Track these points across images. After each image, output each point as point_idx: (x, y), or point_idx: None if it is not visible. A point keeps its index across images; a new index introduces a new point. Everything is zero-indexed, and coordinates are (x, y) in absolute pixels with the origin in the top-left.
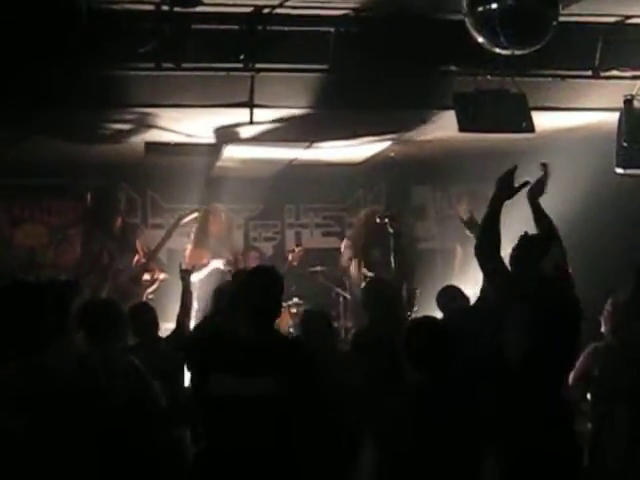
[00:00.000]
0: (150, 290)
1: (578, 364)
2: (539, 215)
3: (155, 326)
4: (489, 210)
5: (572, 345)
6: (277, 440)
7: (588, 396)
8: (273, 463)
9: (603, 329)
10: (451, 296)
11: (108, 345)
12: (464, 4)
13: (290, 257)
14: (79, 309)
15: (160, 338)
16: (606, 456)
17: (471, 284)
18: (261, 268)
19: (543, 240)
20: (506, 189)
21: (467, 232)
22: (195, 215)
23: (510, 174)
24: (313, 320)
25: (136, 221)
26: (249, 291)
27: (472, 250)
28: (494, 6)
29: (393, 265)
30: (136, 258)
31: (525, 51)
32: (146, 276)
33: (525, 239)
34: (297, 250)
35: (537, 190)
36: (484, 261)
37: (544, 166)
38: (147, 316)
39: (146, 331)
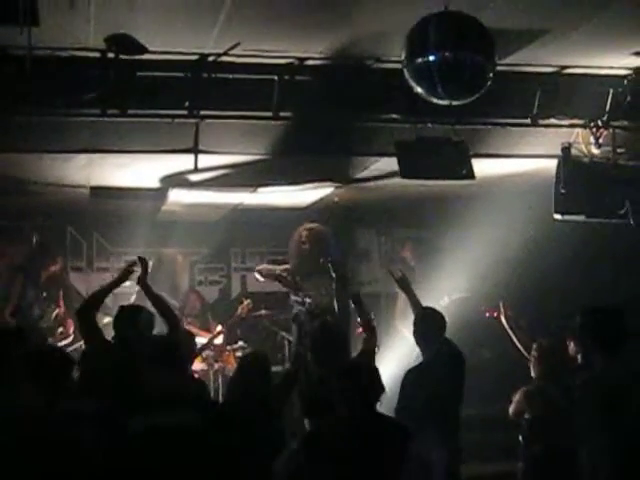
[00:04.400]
0: (64, 343)
1: (512, 406)
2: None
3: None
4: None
5: None
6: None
7: (520, 438)
8: None
9: (532, 373)
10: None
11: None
12: (403, 55)
13: (239, 309)
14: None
15: None
16: None
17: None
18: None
19: None
20: None
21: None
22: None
23: None
24: (249, 362)
25: (81, 265)
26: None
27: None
28: (432, 58)
29: (337, 310)
30: (56, 311)
31: (462, 102)
32: (60, 329)
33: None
34: (246, 303)
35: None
36: None
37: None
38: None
39: None
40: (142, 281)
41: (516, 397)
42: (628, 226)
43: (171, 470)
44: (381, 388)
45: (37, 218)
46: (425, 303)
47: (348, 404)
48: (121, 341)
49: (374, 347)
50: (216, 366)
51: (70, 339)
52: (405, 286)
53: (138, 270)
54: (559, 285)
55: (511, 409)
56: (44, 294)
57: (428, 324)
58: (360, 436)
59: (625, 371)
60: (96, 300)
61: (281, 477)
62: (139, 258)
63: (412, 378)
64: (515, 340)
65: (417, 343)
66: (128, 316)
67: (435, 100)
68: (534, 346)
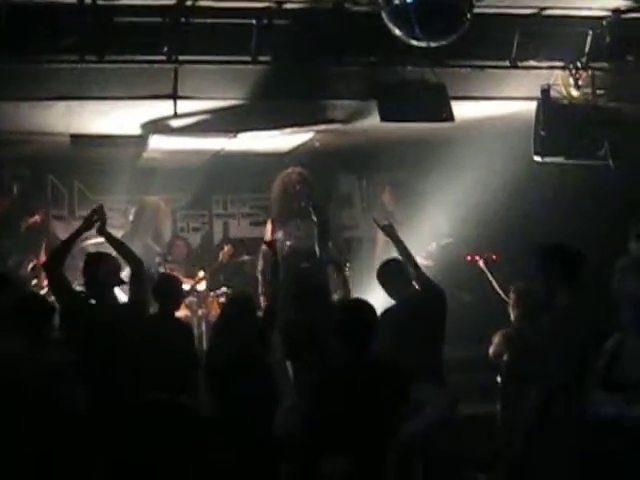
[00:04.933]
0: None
1: (492, 347)
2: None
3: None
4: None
5: None
6: None
7: (498, 379)
8: None
9: (511, 316)
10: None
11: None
12: None
13: (220, 256)
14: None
15: None
16: (513, 435)
17: None
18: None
19: None
20: None
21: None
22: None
23: None
24: (236, 304)
25: (63, 213)
26: None
27: None
28: (409, 0)
29: (318, 254)
30: (33, 262)
31: (440, 43)
32: (34, 281)
33: None
34: (226, 249)
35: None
36: None
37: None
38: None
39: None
40: (101, 230)
41: (495, 339)
42: (607, 167)
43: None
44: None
45: (17, 167)
46: (408, 247)
47: (350, 345)
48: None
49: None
50: (199, 312)
51: (44, 291)
52: (391, 234)
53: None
54: (540, 226)
55: (490, 350)
56: (23, 244)
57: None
58: (363, 379)
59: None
60: (61, 252)
61: (285, 428)
62: (96, 208)
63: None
64: (494, 284)
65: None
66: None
67: (413, 42)
68: (511, 289)
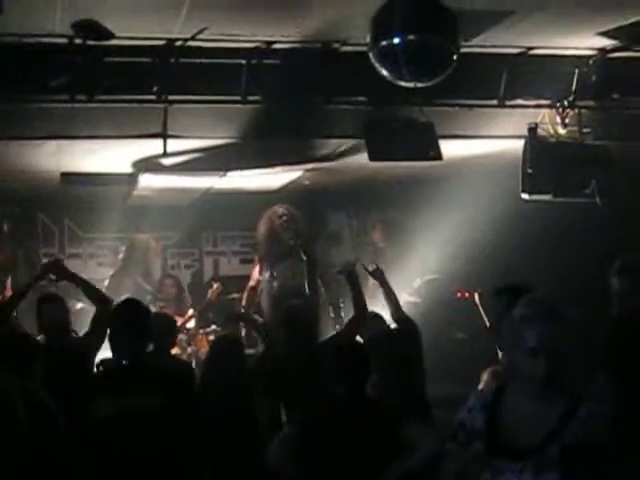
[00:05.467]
0: None
1: (481, 385)
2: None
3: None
4: None
5: None
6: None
7: None
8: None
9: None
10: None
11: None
12: (368, 38)
13: (209, 293)
14: None
15: None
16: None
17: (383, 309)
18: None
19: None
20: None
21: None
22: None
23: None
24: (220, 345)
25: (53, 251)
26: None
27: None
28: (396, 41)
29: (307, 292)
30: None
31: (428, 84)
32: None
33: None
34: (215, 287)
35: None
36: None
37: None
38: None
39: None
40: (59, 275)
41: (484, 377)
42: (594, 205)
43: (140, 453)
44: (369, 370)
45: (7, 206)
46: (396, 284)
47: (343, 384)
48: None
49: (357, 327)
50: (189, 350)
51: None
52: (379, 278)
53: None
54: (527, 264)
55: (480, 388)
56: None
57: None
58: (354, 419)
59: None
60: (12, 304)
61: (275, 462)
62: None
63: None
64: (486, 320)
65: None
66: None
67: (400, 82)
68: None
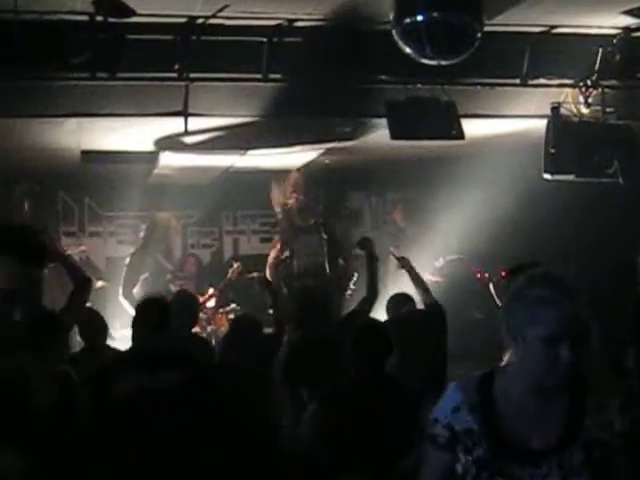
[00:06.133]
0: None
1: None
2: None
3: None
4: None
5: None
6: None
7: None
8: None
9: None
10: (400, 302)
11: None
12: (391, 16)
13: (229, 273)
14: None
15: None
16: None
17: (405, 288)
18: None
19: None
20: None
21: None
22: None
23: None
24: (241, 326)
25: (73, 230)
26: None
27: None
28: (420, 18)
29: (328, 271)
30: None
31: (451, 61)
32: None
33: None
34: (235, 266)
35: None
36: None
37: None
38: (97, 323)
39: (95, 337)
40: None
41: (506, 357)
42: (617, 184)
43: (158, 433)
44: (390, 348)
45: (28, 184)
46: (417, 263)
47: (363, 364)
48: None
49: (371, 305)
50: (209, 329)
51: None
52: (406, 265)
53: None
54: (550, 244)
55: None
56: None
57: None
58: (375, 398)
59: None
60: None
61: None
62: None
63: None
64: (499, 302)
65: None
66: None
67: (424, 60)
68: None
